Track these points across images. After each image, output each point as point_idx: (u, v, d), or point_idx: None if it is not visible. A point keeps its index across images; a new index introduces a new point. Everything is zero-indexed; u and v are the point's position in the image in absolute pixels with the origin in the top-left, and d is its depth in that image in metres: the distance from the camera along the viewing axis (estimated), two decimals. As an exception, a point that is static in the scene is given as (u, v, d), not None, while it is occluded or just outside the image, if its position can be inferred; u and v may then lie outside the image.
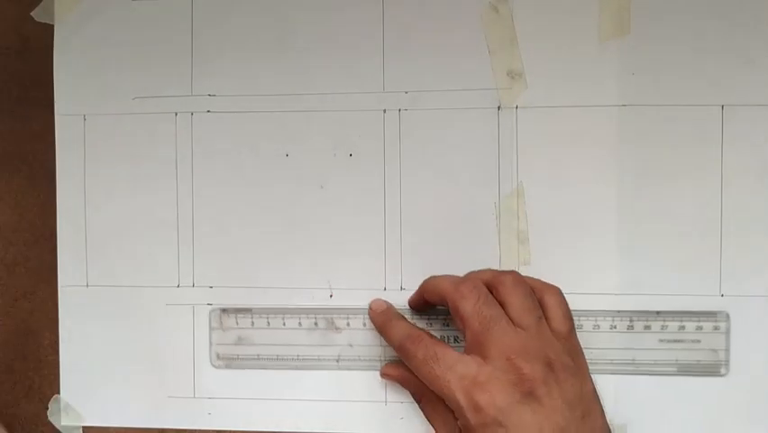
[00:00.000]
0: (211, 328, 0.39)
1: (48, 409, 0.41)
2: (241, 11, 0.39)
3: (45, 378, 0.41)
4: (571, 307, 0.35)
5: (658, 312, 0.37)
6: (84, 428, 0.41)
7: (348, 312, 0.39)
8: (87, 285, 0.40)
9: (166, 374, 0.40)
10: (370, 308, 0.38)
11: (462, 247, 0.37)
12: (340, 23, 0.39)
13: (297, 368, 0.39)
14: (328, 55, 0.39)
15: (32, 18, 0.41)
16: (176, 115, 0.40)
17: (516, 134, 0.38)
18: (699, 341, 0.37)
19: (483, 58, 0.38)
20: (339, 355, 0.39)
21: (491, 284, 0.33)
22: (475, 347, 0.32)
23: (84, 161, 0.40)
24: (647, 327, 0.37)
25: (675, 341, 0.37)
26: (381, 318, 0.37)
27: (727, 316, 0.37)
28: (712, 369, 0.37)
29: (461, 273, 0.37)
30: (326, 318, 0.39)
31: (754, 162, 0.37)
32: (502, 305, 0.33)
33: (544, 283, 0.35)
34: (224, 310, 0.39)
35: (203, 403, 0.39)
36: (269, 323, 0.39)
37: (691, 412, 0.37)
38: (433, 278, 0.36)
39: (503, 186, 0.38)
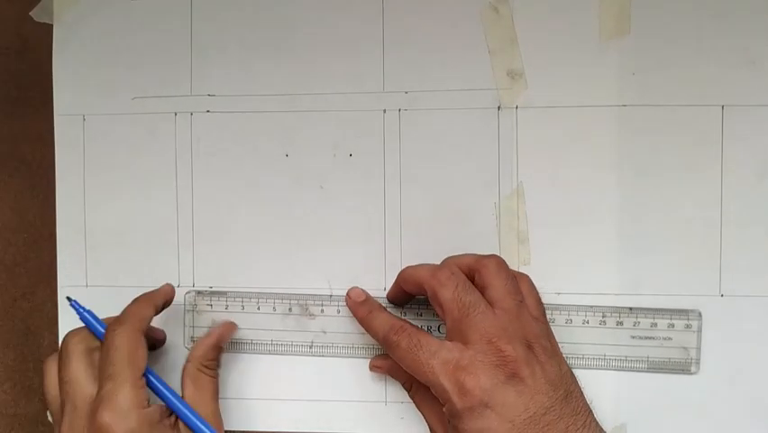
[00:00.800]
0: (185, 311, 0.39)
1: (48, 409, 0.41)
2: (240, 11, 0.39)
3: (45, 378, 0.41)
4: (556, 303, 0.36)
5: (631, 308, 0.37)
6: (84, 428, 0.41)
7: (323, 299, 0.39)
8: (87, 285, 0.40)
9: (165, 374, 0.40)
10: (348, 297, 0.38)
11: (462, 247, 0.37)
12: (340, 23, 0.39)
13: (270, 353, 0.39)
14: (328, 55, 0.39)
15: (31, 18, 0.40)
16: (175, 115, 0.40)
17: (516, 134, 0.38)
18: (670, 339, 0.37)
19: (483, 58, 0.38)
20: (312, 342, 0.39)
21: (473, 268, 0.34)
22: (456, 334, 0.32)
23: (83, 161, 0.40)
24: (619, 324, 0.37)
25: (647, 338, 0.37)
26: (362, 310, 0.37)
27: (699, 314, 0.37)
28: (683, 367, 0.37)
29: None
30: (300, 304, 0.39)
31: (754, 162, 0.37)
32: (484, 288, 0.33)
33: (515, 271, 0.35)
34: (198, 293, 0.39)
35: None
36: (243, 307, 0.39)
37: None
38: (409, 267, 0.36)
39: (503, 186, 0.38)
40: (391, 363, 0.37)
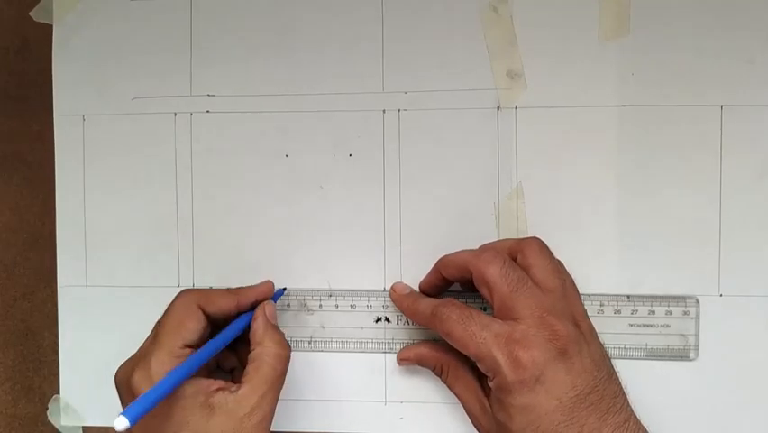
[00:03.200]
0: None
1: (48, 409, 0.41)
2: (240, 11, 0.39)
3: (45, 378, 0.41)
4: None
5: (628, 296, 0.37)
6: (84, 428, 0.41)
7: (321, 294, 0.39)
8: (87, 285, 0.40)
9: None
10: (393, 290, 0.38)
11: (462, 247, 0.37)
12: (340, 22, 0.39)
13: None
14: (328, 55, 0.39)
15: (31, 18, 0.40)
16: (175, 115, 0.40)
17: (515, 135, 0.38)
18: (668, 326, 0.37)
19: (483, 58, 0.38)
20: (311, 337, 0.39)
21: (515, 249, 0.34)
22: (505, 310, 0.32)
23: (83, 161, 0.40)
24: (617, 312, 0.37)
25: (645, 325, 0.37)
26: (408, 299, 0.37)
27: (697, 301, 0.37)
28: (681, 354, 0.37)
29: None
30: (299, 300, 0.39)
31: (753, 162, 0.37)
32: (528, 268, 0.33)
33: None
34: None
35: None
36: None
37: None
38: (448, 255, 0.36)
39: (503, 186, 0.38)
40: (419, 351, 0.37)
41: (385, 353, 0.39)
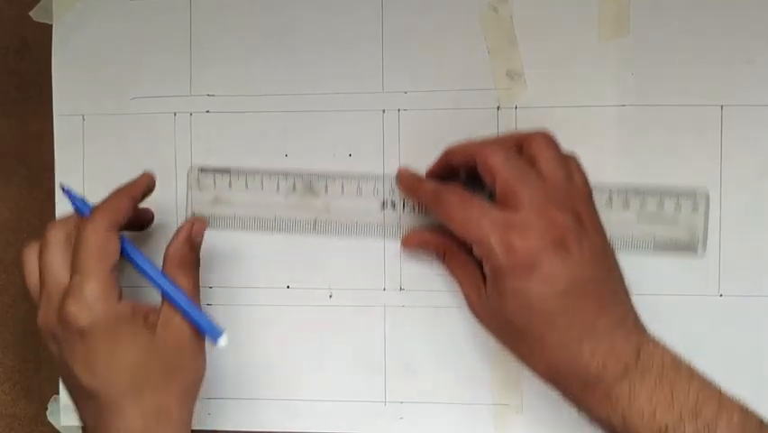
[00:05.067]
0: (189, 188, 0.39)
1: (47, 409, 0.41)
2: (240, 11, 0.39)
3: (45, 378, 0.41)
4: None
5: (637, 189, 0.37)
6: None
7: (327, 176, 0.39)
8: (87, 285, 0.40)
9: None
10: (399, 174, 0.37)
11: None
12: (340, 22, 0.39)
13: (273, 230, 0.39)
14: (328, 55, 0.39)
15: (31, 18, 0.40)
16: (174, 115, 0.40)
17: (515, 135, 0.38)
18: (677, 220, 0.37)
19: (482, 58, 0.38)
20: (315, 219, 0.39)
21: (521, 142, 0.33)
22: (506, 199, 0.32)
23: (83, 161, 0.40)
24: (626, 205, 0.37)
25: (653, 219, 0.37)
26: (413, 181, 0.37)
27: (707, 196, 0.37)
28: (689, 248, 0.37)
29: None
30: (304, 182, 0.39)
31: (754, 162, 0.37)
32: (533, 159, 0.32)
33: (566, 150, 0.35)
34: (202, 170, 0.39)
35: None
36: (247, 184, 0.39)
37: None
38: (455, 143, 0.35)
39: (502, 186, 0.38)
40: (422, 236, 0.37)
41: (387, 239, 0.39)
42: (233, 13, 0.39)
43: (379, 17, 0.39)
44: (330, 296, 0.39)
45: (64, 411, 0.41)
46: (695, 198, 0.37)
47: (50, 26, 0.40)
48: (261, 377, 0.39)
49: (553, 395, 0.38)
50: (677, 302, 0.37)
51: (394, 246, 0.39)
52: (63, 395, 0.41)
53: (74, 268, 0.32)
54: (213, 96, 0.40)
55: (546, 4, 0.38)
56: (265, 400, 0.39)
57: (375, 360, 0.39)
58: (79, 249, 0.32)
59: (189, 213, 0.39)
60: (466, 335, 0.38)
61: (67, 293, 0.32)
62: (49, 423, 0.41)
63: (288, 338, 0.39)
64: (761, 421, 0.30)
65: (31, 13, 0.40)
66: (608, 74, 0.37)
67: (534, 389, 0.38)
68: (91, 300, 0.31)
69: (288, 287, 0.39)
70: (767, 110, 0.37)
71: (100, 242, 0.32)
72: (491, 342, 0.38)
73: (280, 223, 0.39)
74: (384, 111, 0.39)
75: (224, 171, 0.39)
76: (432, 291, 0.39)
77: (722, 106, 0.37)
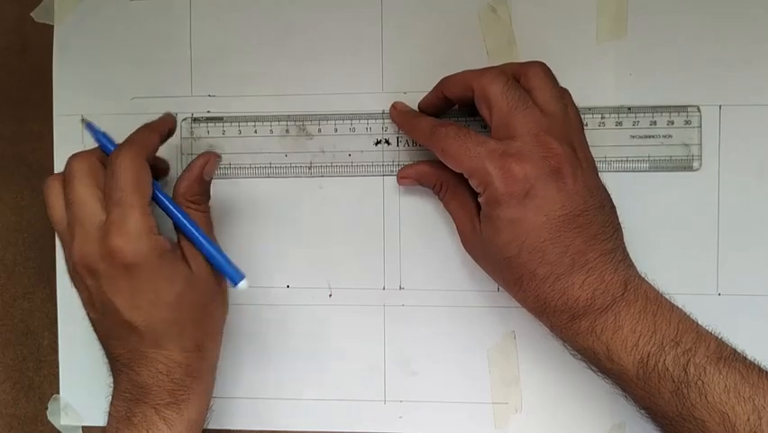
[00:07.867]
0: (182, 138, 0.39)
1: (48, 409, 0.41)
2: (240, 11, 0.39)
3: (45, 378, 0.41)
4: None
5: (629, 108, 0.37)
6: (83, 427, 0.41)
7: (319, 117, 0.39)
8: (87, 285, 0.40)
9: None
10: (394, 108, 0.38)
11: (462, 248, 0.37)
12: (339, 23, 0.39)
13: (269, 176, 0.39)
14: (327, 56, 0.39)
15: (32, 19, 0.41)
16: (175, 115, 0.40)
17: (514, 134, 0.38)
18: (670, 136, 0.37)
19: (481, 58, 0.38)
20: (311, 162, 0.39)
21: (518, 72, 0.33)
22: (502, 129, 0.32)
23: (83, 161, 0.40)
24: (619, 124, 0.37)
25: (647, 137, 0.37)
26: (408, 116, 0.37)
27: (698, 109, 0.37)
28: (685, 164, 0.37)
29: (461, 271, 0.37)
30: (298, 125, 0.39)
31: (752, 162, 0.37)
32: (530, 90, 0.33)
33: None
34: (195, 120, 0.39)
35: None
36: (240, 131, 0.39)
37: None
38: (451, 74, 0.35)
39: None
40: (419, 169, 0.37)
41: (384, 176, 0.39)
42: (234, 15, 0.40)
43: (379, 18, 0.39)
44: (330, 295, 0.39)
45: (64, 411, 0.41)
46: (687, 114, 0.37)
47: (51, 27, 0.40)
48: (261, 376, 0.39)
49: (552, 394, 0.38)
50: (676, 301, 0.37)
51: (394, 246, 0.39)
52: (63, 395, 0.41)
53: (113, 201, 0.31)
54: (213, 96, 0.40)
55: (545, 5, 0.38)
56: (265, 400, 0.39)
57: (375, 359, 0.39)
58: (118, 181, 0.31)
59: (184, 163, 0.39)
60: (466, 334, 0.38)
61: (109, 227, 0.31)
62: (49, 423, 0.41)
63: (288, 338, 0.39)
64: (734, 350, 0.30)
65: (32, 14, 0.41)
66: (606, 74, 0.38)
67: (534, 387, 0.38)
68: (136, 234, 0.31)
69: (287, 286, 0.39)
70: (765, 110, 0.37)
71: (138, 174, 0.32)
72: (491, 341, 0.38)
73: (276, 169, 0.39)
74: (384, 111, 0.39)
75: (217, 119, 0.39)
76: (432, 291, 0.39)
77: (721, 106, 0.37)
